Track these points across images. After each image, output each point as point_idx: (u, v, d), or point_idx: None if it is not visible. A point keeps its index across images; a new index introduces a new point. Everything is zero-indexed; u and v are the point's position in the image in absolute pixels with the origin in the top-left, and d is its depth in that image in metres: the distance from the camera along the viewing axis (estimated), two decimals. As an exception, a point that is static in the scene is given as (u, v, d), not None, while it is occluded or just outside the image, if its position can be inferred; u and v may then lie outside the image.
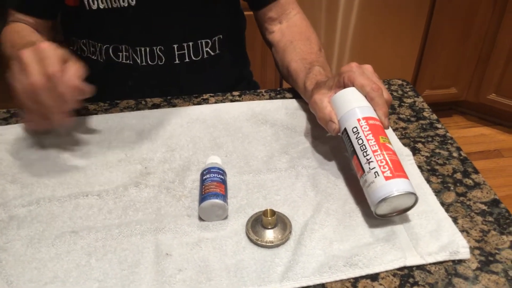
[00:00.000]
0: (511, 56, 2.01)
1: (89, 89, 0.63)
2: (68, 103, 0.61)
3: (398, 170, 0.53)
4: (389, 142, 0.57)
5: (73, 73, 0.61)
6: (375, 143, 0.55)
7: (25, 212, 0.57)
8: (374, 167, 0.54)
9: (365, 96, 0.61)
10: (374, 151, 0.55)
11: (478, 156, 2.09)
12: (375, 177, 0.53)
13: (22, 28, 0.88)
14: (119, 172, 0.63)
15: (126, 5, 0.85)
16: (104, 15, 0.86)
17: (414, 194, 0.53)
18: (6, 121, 0.74)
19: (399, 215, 0.55)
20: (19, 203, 0.58)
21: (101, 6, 0.85)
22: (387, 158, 0.54)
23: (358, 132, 0.57)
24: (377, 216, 0.55)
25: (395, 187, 0.52)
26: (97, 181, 0.62)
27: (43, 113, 0.62)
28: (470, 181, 0.62)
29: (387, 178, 0.52)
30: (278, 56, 0.87)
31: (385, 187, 0.52)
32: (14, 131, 0.71)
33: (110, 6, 0.85)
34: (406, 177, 0.53)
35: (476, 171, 0.64)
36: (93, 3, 0.85)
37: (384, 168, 0.53)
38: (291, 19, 0.89)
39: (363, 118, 0.58)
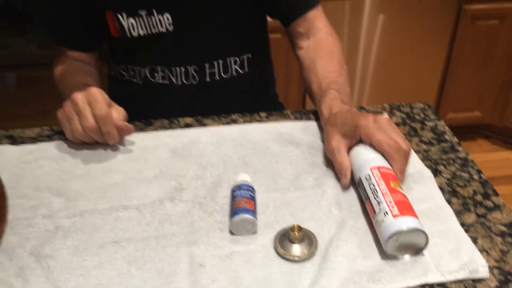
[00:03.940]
0: (535, 79, 2.02)
1: (132, 128, 0.75)
2: (113, 140, 0.73)
3: (407, 209, 0.56)
4: (400, 187, 0.60)
5: (117, 115, 0.74)
6: (385, 187, 0.59)
7: (70, 223, 0.62)
8: (384, 208, 0.57)
9: (382, 153, 0.65)
10: (384, 194, 0.58)
11: (503, 181, 2.08)
12: (385, 216, 0.56)
13: (72, 67, 0.95)
14: (155, 188, 0.68)
15: (164, 30, 0.91)
16: (144, 41, 0.92)
17: (423, 232, 0.54)
18: (49, 138, 0.80)
19: (413, 256, 0.56)
20: (64, 215, 0.63)
21: (141, 33, 0.92)
22: (397, 199, 0.57)
23: (371, 179, 0.61)
24: (390, 255, 0.56)
25: (404, 223, 0.54)
26: (135, 195, 0.66)
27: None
28: (490, 203, 0.65)
29: (395, 216, 0.55)
30: (304, 74, 0.92)
31: (394, 224, 0.55)
32: (58, 148, 0.76)
33: (149, 33, 0.91)
34: (415, 216, 0.56)
35: (496, 194, 0.66)
36: (134, 31, 0.91)
37: (392, 207, 0.56)
38: (317, 34, 0.93)
39: (376, 167, 0.62)
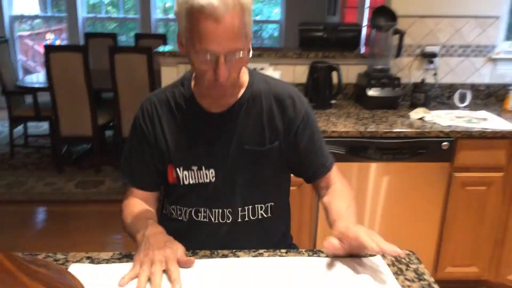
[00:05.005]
0: (525, 241, 2.23)
1: (193, 261, 1.01)
2: (178, 281, 0.95)
3: None
4: None
5: (180, 252, 1.01)
6: None
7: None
8: None
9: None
10: None
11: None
12: None
13: (138, 207, 1.25)
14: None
15: (208, 181, 1.22)
16: (192, 188, 1.23)
17: None
18: (119, 260, 1.04)
19: None
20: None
21: (191, 182, 1.22)
22: None
23: None
24: None
25: None
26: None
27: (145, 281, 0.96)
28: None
29: None
30: (323, 206, 1.26)
31: None
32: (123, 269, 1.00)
33: (197, 182, 1.22)
34: None
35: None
36: (186, 180, 1.22)
37: None
38: (333, 186, 1.27)
39: None
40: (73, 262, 1.03)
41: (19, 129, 4.46)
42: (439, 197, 2.26)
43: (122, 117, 3.66)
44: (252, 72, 1.26)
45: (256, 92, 1.23)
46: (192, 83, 1.23)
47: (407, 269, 1.04)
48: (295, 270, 1.01)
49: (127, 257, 1.04)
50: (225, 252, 1.09)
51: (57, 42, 7.03)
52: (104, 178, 3.76)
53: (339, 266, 1.03)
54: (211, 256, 1.07)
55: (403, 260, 1.08)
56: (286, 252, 1.10)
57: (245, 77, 1.23)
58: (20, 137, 4.46)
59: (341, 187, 1.28)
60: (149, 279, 0.95)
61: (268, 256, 1.08)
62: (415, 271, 1.04)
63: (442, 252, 2.34)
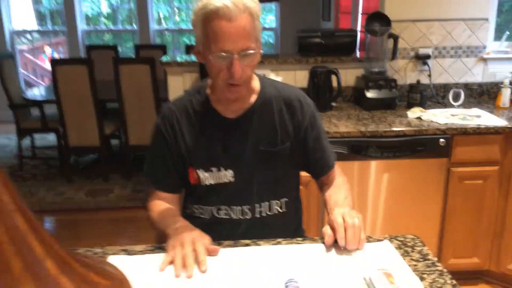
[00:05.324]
0: (521, 230, 2.35)
1: (218, 250, 1.12)
2: (204, 267, 1.07)
3: None
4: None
5: (207, 242, 1.13)
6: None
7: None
8: None
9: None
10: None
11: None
12: None
13: (163, 206, 1.36)
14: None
15: (227, 181, 1.33)
16: (213, 188, 1.34)
17: None
18: (152, 251, 1.15)
19: None
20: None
21: (212, 183, 1.33)
22: None
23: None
24: None
25: None
26: None
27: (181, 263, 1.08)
28: (458, 297, 0.96)
29: None
30: (324, 199, 1.36)
31: None
32: (153, 261, 1.11)
33: (217, 182, 1.33)
34: None
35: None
36: (206, 181, 1.33)
37: None
38: (336, 180, 1.40)
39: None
40: (110, 254, 1.14)
41: (26, 141, 4.56)
42: (438, 192, 2.37)
43: (128, 126, 3.77)
44: (262, 79, 1.38)
45: (267, 97, 1.34)
46: (208, 91, 1.35)
47: (412, 251, 1.16)
48: (309, 256, 1.12)
49: (159, 248, 1.15)
50: (247, 241, 1.20)
51: (55, 55, 7.14)
52: (112, 186, 3.86)
53: (346, 253, 1.13)
54: (234, 245, 1.18)
55: (409, 243, 1.19)
56: (302, 240, 1.21)
57: (256, 84, 1.35)
58: (28, 149, 4.55)
59: (341, 183, 1.40)
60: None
61: (286, 244, 1.19)
62: (420, 252, 1.15)
63: (444, 244, 2.45)
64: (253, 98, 1.33)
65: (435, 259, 1.12)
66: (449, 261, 2.45)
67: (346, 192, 1.35)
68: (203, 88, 1.36)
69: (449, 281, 1.02)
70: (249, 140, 1.33)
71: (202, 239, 1.12)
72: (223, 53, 1.15)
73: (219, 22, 1.13)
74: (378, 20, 2.66)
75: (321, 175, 1.42)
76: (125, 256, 1.13)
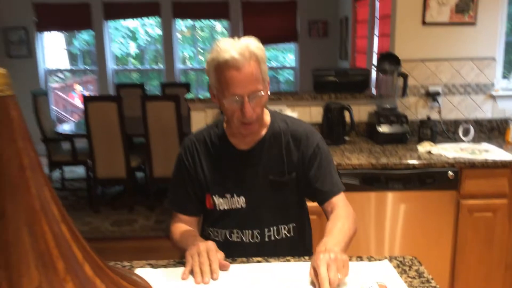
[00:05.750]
0: (532, 262, 2.39)
1: (229, 266, 1.24)
2: (216, 275, 1.20)
3: None
4: None
5: (220, 256, 1.25)
6: None
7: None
8: None
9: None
10: None
11: None
12: None
13: (184, 228, 1.50)
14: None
15: (240, 207, 1.47)
16: (226, 213, 1.48)
17: None
18: (175, 266, 1.29)
19: None
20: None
21: (226, 208, 1.48)
22: None
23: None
24: None
25: None
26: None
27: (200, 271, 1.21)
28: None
29: None
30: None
31: None
32: (175, 273, 1.25)
33: (230, 208, 1.47)
34: None
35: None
36: (221, 206, 1.47)
37: None
38: (337, 210, 1.41)
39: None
40: (137, 267, 1.28)
41: (56, 173, 4.80)
42: (449, 223, 2.45)
43: (152, 159, 3.97)
44: (273, 114, 1.53)
45: (276, 131, 1.49)
46: (225, 125, 1.51)
47: (409, 270, 1.26)
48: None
49: (181, 263, 1.29)
50: (259, 258, 1.33)
51: (85, 93, 7.52)
52: (137, 216, 4.03)
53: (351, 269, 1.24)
54: (247, 262, 1.31)
55: (407, 263, 1.30)
56: (309, 259, 1.33)
57: (267, 118, 1.51)
58: (58, 181, 4.79)
59: (342, 212, 1.40)
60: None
61: (294, 261, 1.31)
62: (416, 271, 1.26)
63: (456, 275, 2.50)
64: (264, 131, 1.48)
65: (430, 276, 1.22)
66: (462, 294, 2.50)
67: (344, 222, 1.35)
68: (220, 122, 1.53)
69: (440, 295, 1.12)
70: (259, 170, 1.47)
71: (216, 251, 1.25)
72: (235, 97, 1.32)
73: (229, 72, 1.30)
74: (389, 59, 2.82)
75: (322, 202, 1.47)
76: (150, 268, 1.27)
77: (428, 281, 1.20)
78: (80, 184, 4.89)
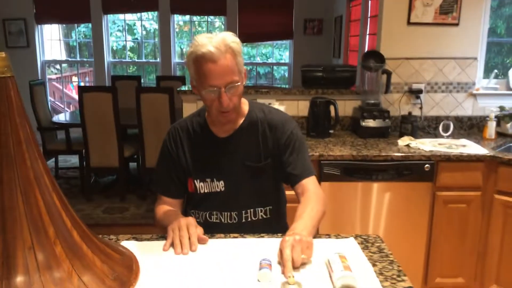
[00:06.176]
0: (502, 252, 2.51)
1: (207, 240, 1.36)
2: (194, 247, 1.31)
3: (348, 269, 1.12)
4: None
5: (199, 231, 1.36)
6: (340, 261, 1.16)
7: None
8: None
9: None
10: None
11: None
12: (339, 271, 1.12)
13: (167, 208, 1.61)
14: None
15: (219, 190, 1.58)
16: (207, 196, 1.59)
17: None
18: (157, 239, 1.40)
19: None
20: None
21: (206, 191, 1.59)
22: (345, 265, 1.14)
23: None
24: None
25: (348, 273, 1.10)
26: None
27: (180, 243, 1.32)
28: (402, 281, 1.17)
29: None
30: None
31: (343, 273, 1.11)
32: (157, 246, 1.36)
33: (210, 191, 1.58)
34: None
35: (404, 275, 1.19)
36: (202, 190, 1.59)
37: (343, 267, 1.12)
38: (308, 192, 1.51)
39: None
40: (123, 240, 1.39)
41: (50, 163, 4.90)
42: (425, 214, 2.57)
43: (146, 150, 4.07)
44: (252, 104, 1.64)
45: (253, 119, 1.60)
46: (206, 114, 1.62)
47: (372, 246, 1.38)
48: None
49: (163, 237, 1.40)
50: (235, 234, 1.44)
51: (82, 84, 7.61)
52: (128, 205, 4.13)
53: (317, 245, 1.35)
54: (224, 237, 1.43)
55: (370, 240, 1.42)
56: (282, 236, 1.44)
57: (245, 107, 1.61)
58: (51, 170, 4.88)
59: (313, 195, 1.48)
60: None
61: (268, 237, 1.43)
62: (378, 247, 1.37)
63: (431, 263, 2.63)
64: (241, 120, 1.59)
65: (390, 252, 1.34)
66: (436, 280, 2.62)
67: (314, 204, 1.44)
68: (203, 111, 1.63)
69: (396, 268, 1.24)
70: (237, 156, 1.58)
71: (196, 226, 1.37)
72: (213, 88, 1.42)
73: (206, 64, 1.39)
74: (374, 57, 2.93)
75: (294, 184, 1.56)
76: (135, 241, 1.38)
77: (387, 256, 1.31)
78: (74, 173, 4.99)
